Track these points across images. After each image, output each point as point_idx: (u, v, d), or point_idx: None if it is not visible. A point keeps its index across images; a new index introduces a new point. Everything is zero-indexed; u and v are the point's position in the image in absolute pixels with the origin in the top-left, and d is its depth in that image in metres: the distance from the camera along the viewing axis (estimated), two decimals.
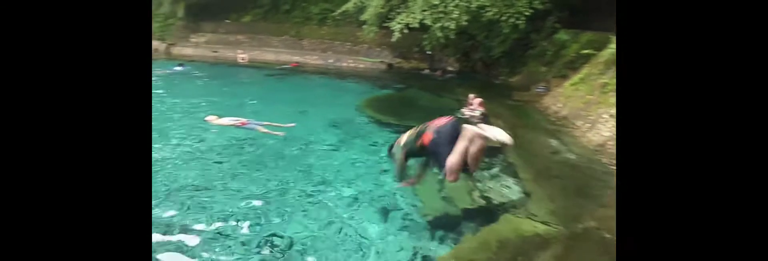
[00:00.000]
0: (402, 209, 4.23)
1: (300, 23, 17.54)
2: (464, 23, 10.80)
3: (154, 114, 8.46)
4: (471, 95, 8.24)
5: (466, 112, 8.13)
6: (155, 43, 19.45)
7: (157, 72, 13.14)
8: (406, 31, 11.35)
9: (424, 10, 11.07)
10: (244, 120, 7.10)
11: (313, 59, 16.55)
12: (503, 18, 10.41)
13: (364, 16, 12.83)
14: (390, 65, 15.43)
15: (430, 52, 14.48)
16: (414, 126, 3.37)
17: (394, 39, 11.61)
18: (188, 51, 18.72)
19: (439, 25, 11.00)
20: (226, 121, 7.12)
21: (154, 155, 5.65)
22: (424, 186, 4.45)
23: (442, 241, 3.70)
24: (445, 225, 3.95)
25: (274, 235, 3.74)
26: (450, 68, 14.55)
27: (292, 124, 7.04)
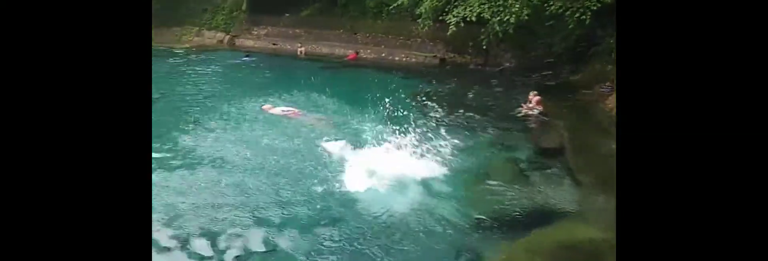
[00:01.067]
0: (453, 206, 4.15)
1: (355, 17, 17.68)
2: (525, 17, 10.29)
3: (220, 99, 8.99)
4: (532, 93, 7.88)
5: (524, 110, 7.80)
6: (220, 35, 20.55)
7: (228, 61, 14.74)
8: (462, 24, 11.05)
9: (483, 4, 10.68)
10: (295, 110, 7.36)
11: (366, 53, 16.66)
12: (568, 12, 9.79)
13: (419, 10, 12.64)
14: (443, 60, 15.15)
15: (486, 47, 13.99)
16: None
17: (449, 32, 11.35)
18: (249, 43, 19.58)
19: (497, 18, 10.57)
20: (280, 110, 7.42)
21: (217, 135, 6.03)
22: (477, 185, 4.34)
23: (490, 241, 3.59)
24: (494, 225, 3.83)
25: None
26: (507, 64, 14.00)
27: (337, 117, 7.18)
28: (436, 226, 3.82)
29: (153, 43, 20.27)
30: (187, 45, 19.84)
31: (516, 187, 4.56)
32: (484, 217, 3.94)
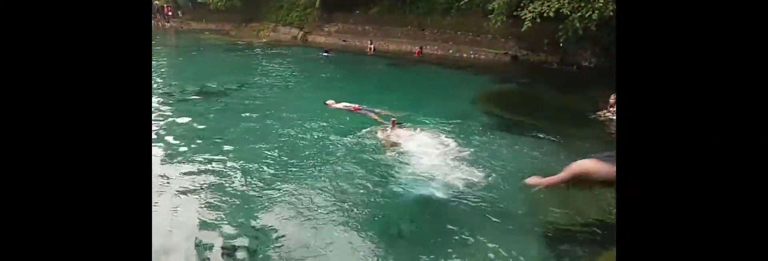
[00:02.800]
0: (523, 216, 3.92)
1: (423, 14, 17.53)
2: (610, 14, 9.48)
3: (291, 91, 9.42)
4: (613, 95, 7.23)
5: (604, 113, 7.16)
6: (294, 31, 21.53)
7: (310, 55, 15.82)
8: (537, 20, 10.46)
9: None
10: (357, 106, 7.51)
11: (433, 49, 16.46)
12: None
13: (491, 5, 12.18)
14: (514, 57, 14.50)
15: (563, 45, 13.14)
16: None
17: (523, 29, 10.81)
18: (321, 39, 20.28)
19: (578, 14, 9.87)
20: (342, 105, 7.61)
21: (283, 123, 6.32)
22: (538, 196, 4.05)
23: (559, 255, 3.34)
24: (567, 237, 3.55)
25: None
26: (585, 63, 13.03)
27: (398, 114, 7.15)
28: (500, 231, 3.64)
29: (234, 38, 21.82)
30: (264, 40, 21.04)
31: (579, 198, 4.18)
32: (553, 225, 3.68)
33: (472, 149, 5.41)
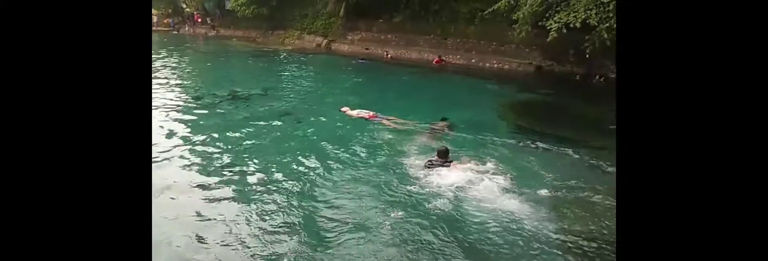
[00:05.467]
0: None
1: (446, 23, 17.57)
2: None
3: (311, 98, 9.58)
4: None
5: None
6: (318, 39, 21.92)
7: (331, 63, 16.37)
8: (563, 30, 10.33)
9: (590, 9, 9.88)
10: (372, 113, 7.52)
11: (455, 59, 16.43)
12: None
13: (516, 15, 12.11)
14: (539, 67, 14.31)
15: (589, 56, 12.92)
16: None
17: (548, 39, 10.69)
18: (344, 47, 20.56)
19: (606, 25, 9.69)
20: (357, 113, 7.64)
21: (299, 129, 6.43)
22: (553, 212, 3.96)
23: None
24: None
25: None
26: (612, 75, 12.75)
27: (416, 121, 7.14)
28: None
29: (261, 45, 22.35)
30: (289, 47, 21.49)
31: (598, 219, 4.06)
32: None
33: (490, 163, 5.34)
